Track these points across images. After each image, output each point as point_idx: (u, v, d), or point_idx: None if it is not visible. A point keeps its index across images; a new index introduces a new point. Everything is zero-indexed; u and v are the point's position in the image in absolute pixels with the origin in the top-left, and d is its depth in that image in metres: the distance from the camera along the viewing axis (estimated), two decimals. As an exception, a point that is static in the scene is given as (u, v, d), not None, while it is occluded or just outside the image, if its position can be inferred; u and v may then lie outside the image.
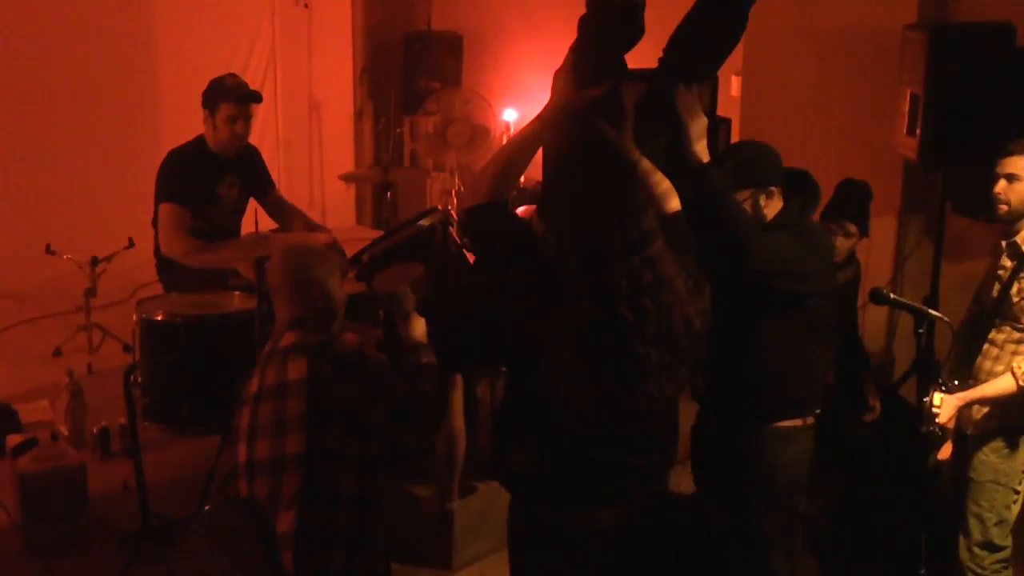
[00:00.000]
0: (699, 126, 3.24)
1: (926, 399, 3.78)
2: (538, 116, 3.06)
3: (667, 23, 3.25)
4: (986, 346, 3.96)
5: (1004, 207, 3.88)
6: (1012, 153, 3.86)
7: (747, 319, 3.55)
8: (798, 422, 3.61)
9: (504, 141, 8.05)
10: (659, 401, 2.90)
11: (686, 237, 2.98)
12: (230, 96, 4.85)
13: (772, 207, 3.55)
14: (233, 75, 4.98)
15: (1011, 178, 3.85)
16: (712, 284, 3.16)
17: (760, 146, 3.59)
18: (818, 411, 3.67)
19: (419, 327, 3.38)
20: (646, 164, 3.03)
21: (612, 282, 2.74)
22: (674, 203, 3.01)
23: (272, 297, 3.26)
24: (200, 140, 4.95)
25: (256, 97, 5.00)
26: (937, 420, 3.84)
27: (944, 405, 3.84)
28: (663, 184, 3.03)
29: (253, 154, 5.21)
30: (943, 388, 3.80)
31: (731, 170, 3.55)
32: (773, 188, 3.52)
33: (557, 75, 3.07)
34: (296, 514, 2.99)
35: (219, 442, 3.74)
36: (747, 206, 3.51)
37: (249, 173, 5.13)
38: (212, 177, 4.94)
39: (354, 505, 3.07)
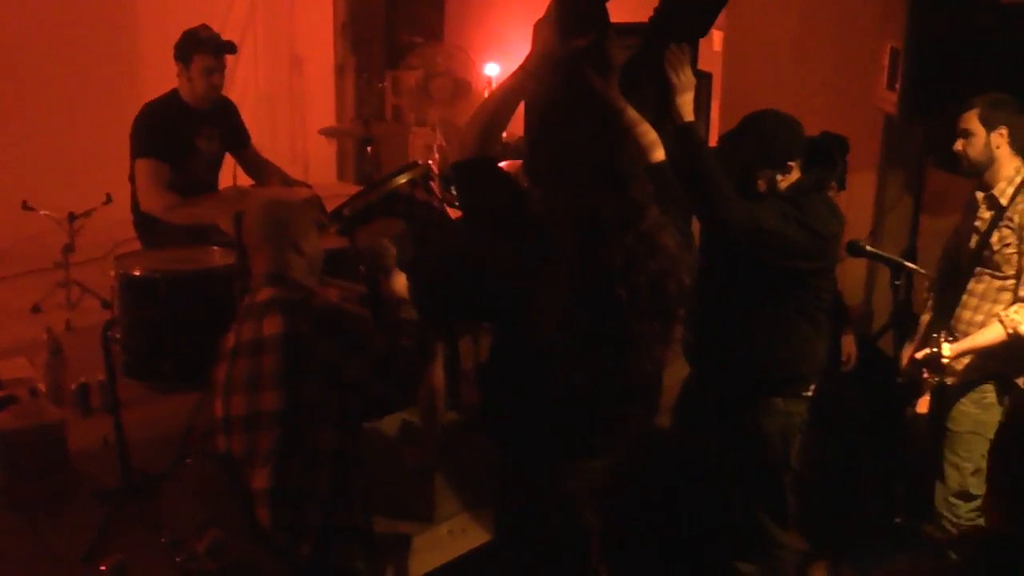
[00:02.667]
0: (687, 85, 3.23)
1: (934, 351, 3.79)
2: (520, 67, 3.05)
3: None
4: (965, 296, 3.98)
5: (965, 163, 3.94)
6: (968, 109, 3.91)
7: (745, 295, 3.56)
8: (794, 398, 3.64)
9: (486, 95, 8.04)
10: (650, 369, 2.92)
11: (672, 188, 2.98)
12: (205, 48, 4.82)
13: (789, 180, 3.53)
14: (206, 26, 4.94)
15: (965, 133, 3.91)
16: (710, 255, 3.18)
17: (779, 120, 3.56)
18: (813, 387, 3.69)
19: (400, 282, 3.37)
20: (633, 114, 3.02)
21: (607, 259, 2.73)
22: (659, 153, 3.01)
23: (248, 252, 3.25)
24: (174, 93, 4.92)
25: (231, 48, 4.97)
26: (945, 372, 3.88)
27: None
28: (649, 135, 3.03)
29: (229, 107, 5.18)
30: (950, 339, 3.82)
31: (751, 147, 3.54)
32: (791, 164, 3.51)
33: (538, 25, 3.06)
34: (271, 471, 2.99)
35: (197, 398, 3.74)
36: (762, 184, 3.51)
37: (226, 125, 5.10)
38: (189, 130, 4.91)
39: (332, 462, 3.06)
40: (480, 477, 4.27)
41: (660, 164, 3.01)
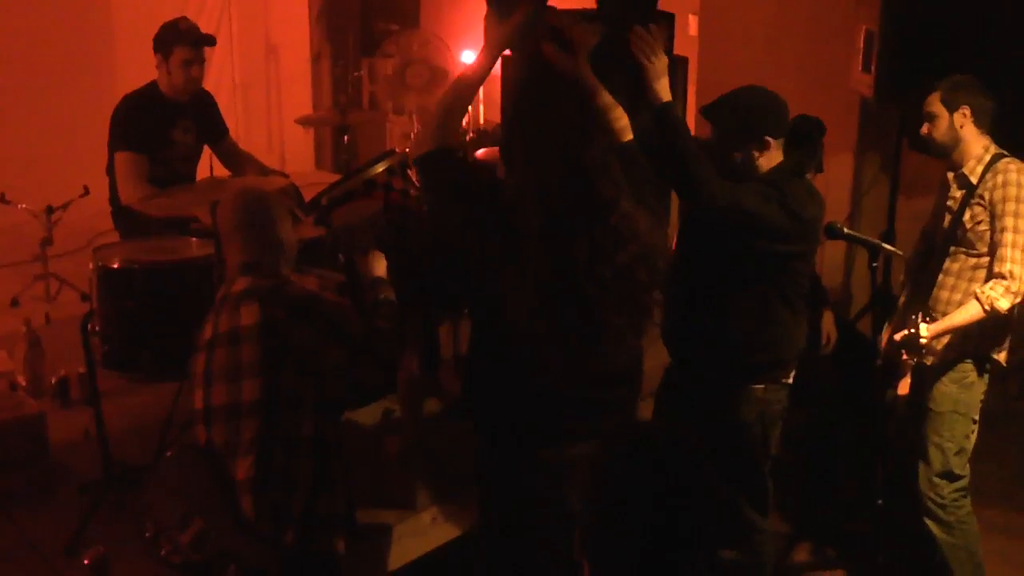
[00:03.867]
0: (659, 65, 3.24)
1: (912, 330, 3.82)
2: (475, 59, 3.11)
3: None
4: (941, 276, 4.01)
5: (931, 145, 4.01)
6: (931, 92, 3.97)
7: (723, 280, 3.57)
8: (773, 384, 3.65)
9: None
10: (623, 358, 2.93)
11: (640, 167, 2.99)
12: (184, 40, 4.81)
13: (770, 159, 3.53)
14: (185, 18, 4.93)
15: (929, 117, 3.97)
16: (688, 240, 3.18)
17: (760, 94, 3.56)
18: (793, 373, 3.71)
19: (379, 262, 3.37)
20: (606, 96, 3.03)
21: (573, 253, 2.75)
22: (624, 129, 3.02)
23: (222, 241, 3.25)
24: (153, 85, 4.90)
25: (210, 40, 4.96)
26: (924, 353, 3.91)
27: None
28: (621, 119, 3.04)
29: (207, 99, 5.16)
30: (927, 320, 3.85)
31: (725, 115, 3.55)
32: (769, 139, 3.51)
33: (486, 19, 3.10)
34: (254, 460, 2.99)
35: (176, 389, 3.73)
36: (737, 154, 3.51)
37: (204, 118, 5.08)
38: (166, 122, 4.90)
39: (313, 449, 3.07)
40: (462, 464, 4.27)
41: (627, 143, 3.02)
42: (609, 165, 2.85)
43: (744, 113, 3.52)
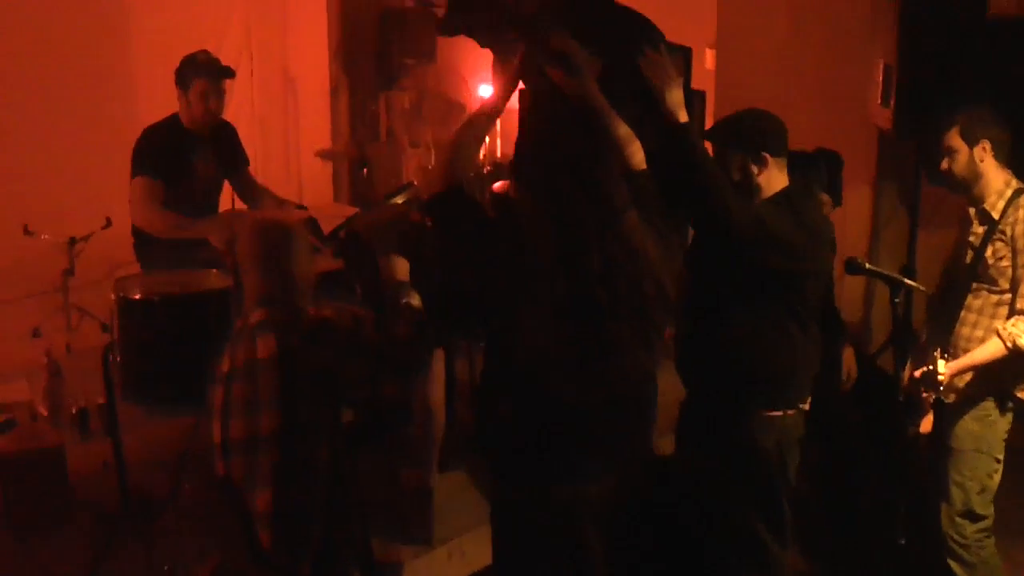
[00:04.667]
0: (674, 88, 3.23)
1: (931, 366, 3.80)
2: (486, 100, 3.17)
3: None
4: (963, 312, 3.98)
5: (951, 180, 3.97)
6: (950, 127, 3.94)
7: (735, 302, 3.55)
8: (789, 411, 3.63)
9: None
10: (634, 374, 2.92)
11: (652, 196, 2.99)
12: (202, 72, 4.86)
13: (771, 180, 3.53)
14: (205, 51, 4.98)
15: (948, 151, 3.94)
16: (699, 264, 3.18)
17: (753, 111, 3.58)
18: (809, 398, 3.69)
19: (401, 266, 3.38)
20: (621, 127, 3.03)
21: (586, 260, 2.75)
22: (639, 160, 3.02)
23: (240, 273, 3.26)
24: (174, 118, 4.95)
25: (228, 73, 5.00)
26: (943, 390, 3.87)
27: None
28: (638, 154, 3.04)
29: (229, 131, 5.21)
30: (946, 356, 3.83)
31: (721, 130, 3.56)
32: (766, 155, 3.50)
33: (493, 62, 3.13)
34: (273, 492, 3.00)
35: (193, 421, 3.74)
36: (736, 171, 3.50)
37: (224, 150, 5.12)
38: (187, 152, 4.94)
39: (330, 479, 3.08)
40: (479, 498, 4.27)
41: (641, 172, 3.02)
42: (619, 181, 2.86)
43: (742, 128, 3.53)
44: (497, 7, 3.37)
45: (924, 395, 3.97)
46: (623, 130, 3.03)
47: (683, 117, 3.23)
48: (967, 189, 3.97)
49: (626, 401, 3.00)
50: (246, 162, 5.28)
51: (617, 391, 2.95)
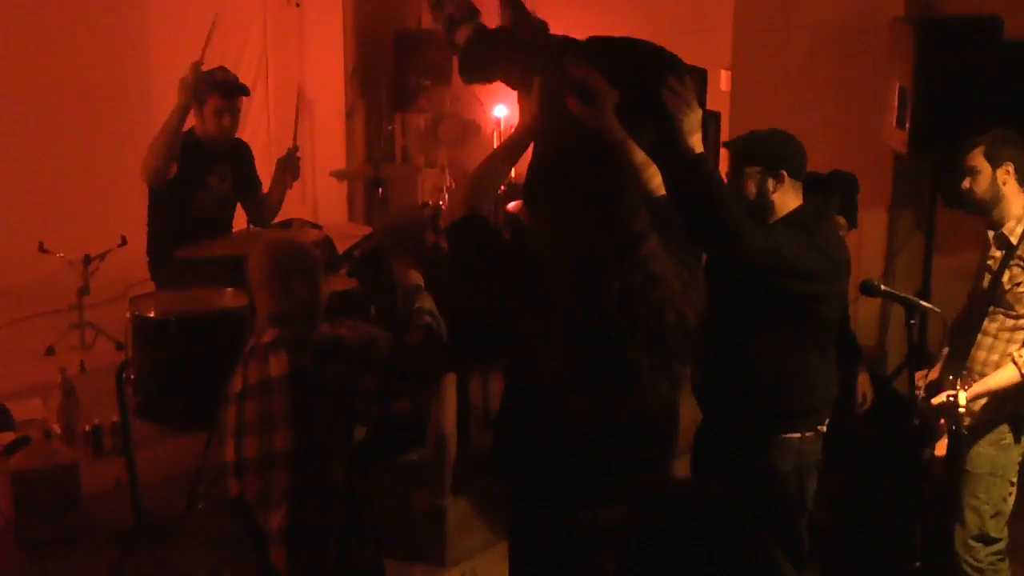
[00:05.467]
0: (692, 118, 3.22)
1: (950, 399, 3.78)
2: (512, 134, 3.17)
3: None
4: (980, 336, 3.96)
5: (971, 200, 3.95)
6: (972, 146, 3.91)
7: (752, 325, 3.54)
8: (807, 434, 3.61)
9: (495, 138, 8.09)
10: (653, 401, 2.91)
11: (674, 223, 2.98)
12: (217, 89, 4.89)
13: (786, 200, 3.52)
14: (223, 69, 5.01)
15: (971, 171, 3.91)
16: (715, 287, 3.18)
17: (777, 131, 3.59)
18: (827, 421, 3.67)
19: (415, 270, 3.39)
20: (639, 155, 3.03)
21: (603, 286, 2.74)
22: (657, 184, 3.01)
23: (253, 293, 3.26)
24: (191, 132, 4.97)
25: (243, 90, 5.02)
26: (963, 419, 3.84)
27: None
28: (656, 178, 3.04)
29: (246, 152, 5.23)
30: (966, 385, 3.81)
31: (740, 145, 3.56)
32: (784, 172, 3.50)
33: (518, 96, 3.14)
34: (287, 511, 2.99)
35: (207, 440, 3.74)
36: (752, 185, 3.50)
37: (241, 167, 5.14)
38: (202, 166, 4.96)
39: (344, 497, 3.08)
40: (493, 521, 4.26)
41: (660, 198, 3.02)
42: (638, 206, 2.85)
43: (764, 142, 3.54)
44: (516, 45, 3.39)
45: (942, 423, 3.95)
46: (640, 157, 3.02)
47: (699, 148, 3.23)
48: (987, 211, 3.94)
49: (645, 431, 2.99)
50: (259, 185, 5.29)
51: (636, 421, 2.94)
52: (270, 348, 3.06)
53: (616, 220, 2.79)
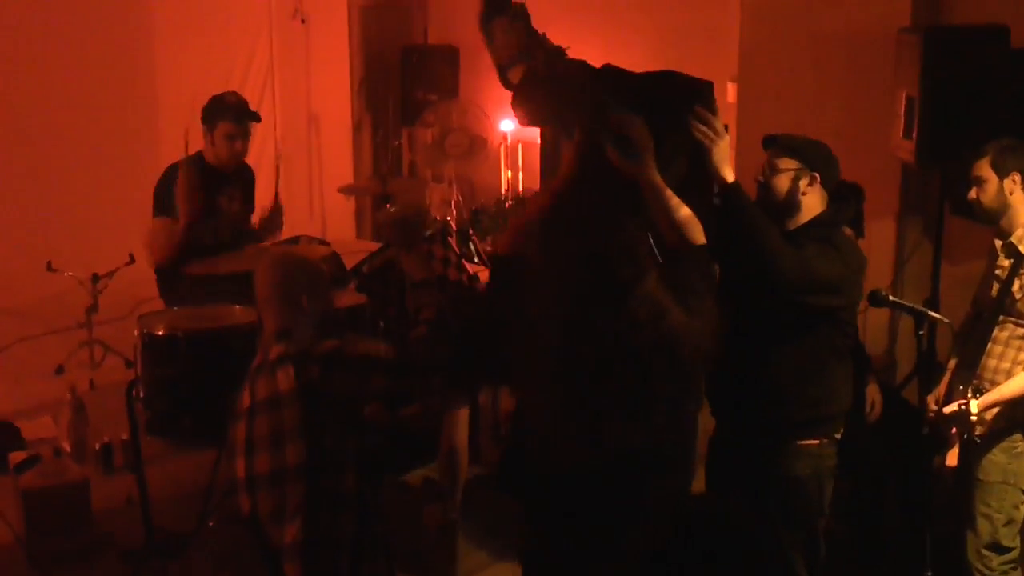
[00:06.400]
0: (722, 146, 3.20)
1: (962, 407, 3.77)
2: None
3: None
4: (989, 345, 3.95)
5: (978, 210, 3.95)
6: (978, 156, 3.91)
7: (775, 336, 3.54)
8: (824, 440, 3.61)
9: (502, 152, 8.10)
10: (669, 428, 2.91)
11: (706, 271, 2.98)
12: (228, 114, 4.90)
13: (813, 204, 3.53)
14: (234, 93, 5.03)
15: (978, 181, 3.91)
16: (736, 302, 3.18)
17: (817, 141, 3.61)
18: (842, 429, 3.67)
19: (421, 264, 3.39)
20: (683, 210, 2.99)
21: (601, 322, 2.75)
22: (698, 234, 2.97)
23: (260, 309, 3.26)
24: (199, 155, 4.98)
25: (254, 116, 5.04)
26: (974, 427, 3.83)
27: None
28: (698, 230, 3.00)
29: (250, 174, 5.25)
30: (978, 395, 3.80)
31: (787, 139, 3.56)
32: (817, 175, 3.50)
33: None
34: (301, 524, 3.00)
35: (216, 457, 3.74)
36: (786, 180, 3.50)
37: (247, 189, 5.15)
38: (211, 190, 4.97)
39: (356, 507, 3.08)
40: (503, 534, 4.25)
41: (700, 247, 2.97)
42: (631, 248, 2.84)
43: (808, 144, 3.55)
44: (561, 89, 3.38)
45: (954, 432, 3.94)
46: (684, 212, 2.98)
47: (730, 176, 3.21)
48: (994, 220, 3.94)
49: (661, 459, 2.98)
50: (253, 209, 5.31)
51: (652, 448, 2.93)
52: (277, 364, 3.07)
53: (616, 257, 2.79)
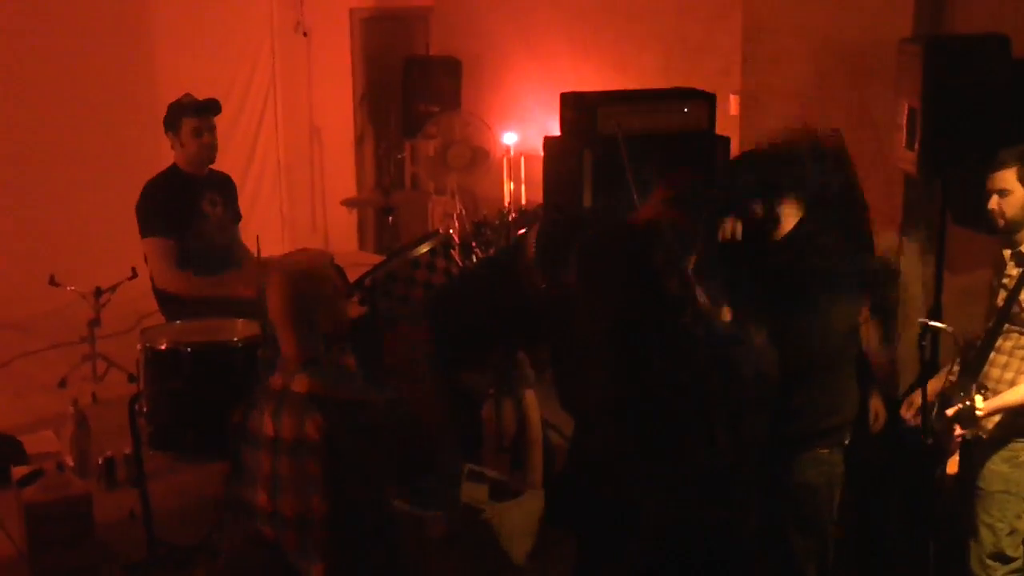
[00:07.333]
0: None
1: (967, 402, 3.77)
2: None
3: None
4: (993, 354, 3.95)
5: (1001, 221, 3.91)
6: (1001, 166, 3.89)
7: (793, 347, 3.55)
8: (836, 447, 3.62)
9: (504, 164, 8.11)
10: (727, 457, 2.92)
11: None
12: (188, 110, 4.92)
13: (787, 217, 3.55)
14: (188, 94, 5.06)
15: (1002, 192, 3.88)
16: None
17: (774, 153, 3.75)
18: (850, 437, 3.69)
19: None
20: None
21: (645, 353, 2.76)
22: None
23: (275, 329, 3.21)
24: (172, 167, 5.02)
25: (215, 107, 5.06)
26: (979, 423, 3.83)
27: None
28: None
29: (229, 181, 5.27)
30: (984, 391, 3.79)
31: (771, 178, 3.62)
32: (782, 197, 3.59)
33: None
34: (327, 567, 3.04)
35: (225, 474, 3.73)
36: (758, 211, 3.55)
37: (229, 195, 5.17)
38: (192, 197, 4.99)
39: (374, 539, 3.12)
40: (505, 545, 4.24)
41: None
42: (678, 267, 2.86)
43: (766, 172, 3.60)
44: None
45: (957, 433, 3.93)
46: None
47: None
48: (1012, 231, 3.92)
49: (716, 488, 3.01)
50: (240, 219, 5.32)
51: (708, 477, 2.95)
52: (307, 405, 3.02)
53: (653, 284, 2.80)
